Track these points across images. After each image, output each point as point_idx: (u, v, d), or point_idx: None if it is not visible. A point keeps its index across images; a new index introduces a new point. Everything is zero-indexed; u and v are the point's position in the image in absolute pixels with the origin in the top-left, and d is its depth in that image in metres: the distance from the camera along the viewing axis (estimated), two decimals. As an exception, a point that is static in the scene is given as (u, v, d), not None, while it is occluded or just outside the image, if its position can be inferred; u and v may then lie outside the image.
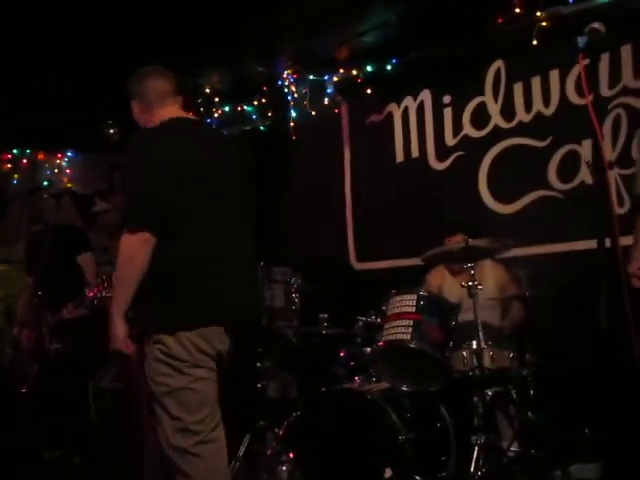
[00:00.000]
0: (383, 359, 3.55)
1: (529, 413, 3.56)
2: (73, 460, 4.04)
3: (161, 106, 2.74)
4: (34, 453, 2.93)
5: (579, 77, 4.23)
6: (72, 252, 4.60)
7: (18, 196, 6.09)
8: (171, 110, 2.74)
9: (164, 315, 2.53)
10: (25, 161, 6.57)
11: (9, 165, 6.55)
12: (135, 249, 2.45)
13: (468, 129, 4.88)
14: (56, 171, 6.55)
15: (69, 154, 6.62)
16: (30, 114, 5.26)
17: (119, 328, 2.48)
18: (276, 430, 4.02)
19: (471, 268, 3.46)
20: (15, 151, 6.50)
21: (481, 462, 3.22)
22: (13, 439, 4.34)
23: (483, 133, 4.80)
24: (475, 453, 3.24)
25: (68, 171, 6.48)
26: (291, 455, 3.67)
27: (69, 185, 6.42)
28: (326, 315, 4.09)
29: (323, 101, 5.49)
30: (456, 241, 4.20)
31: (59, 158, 6.63)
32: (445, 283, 4.30)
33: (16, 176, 6.55)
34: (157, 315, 2.53)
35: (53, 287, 4.14)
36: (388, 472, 3.23)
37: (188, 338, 2.52)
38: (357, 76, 5.29)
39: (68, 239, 4.58)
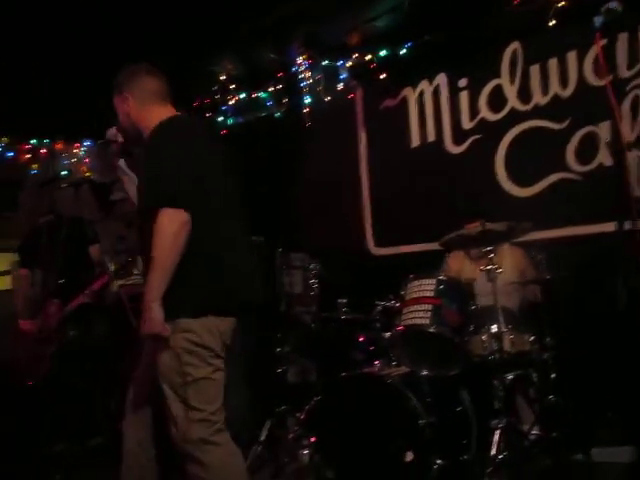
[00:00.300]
0: (402, 344, 3.57)
1: (550, 396, 3.57)
2: (90, 445, 4.09)
3: (162, 104, 2.81)
4: (45, 444, 2.97)
5: (597, 58, 4.19)
6: (85, 243, 4.65)
7: (30, 187, 6.14)
8: (170, 109, 2.82)
9: (195, 298, 2.55)
10: (44, 151, 6.61)
11: (28, 155, 6.60)
12: (177, 230, 2.47)
13: (485, 112, 4.85)
14: (74, 160, 6.59)
15: (87, 143, 6.66)
16: (48, 104, 5.29)
17: (158, 311, 2.46)
18: (297, 415, 4.07)
19: (490, 252, 3.46)
20: (34, 141, 6.55)
21: (502, 445, 3.23)
22: (23, 432, 4.42)
23: (500, 116, 4.76)
24: (496, 437, 3.26)
25: (86, 160, 6.51)
26: (312, 439, 3.70)
27: (87, 174, 6.46)
28: (345, 300, 4.11)
29: (337, 87, 5.46)
30: (456, 258, 4.22)
31: (77, 148, 6.67)
32: (464, 268, 4.30)
33: (35, 166, 6.59)
34: (188, 298, 2.54)
35: (68, 278, 4.18)
36: (409, 456, 3.25)
37: (216, 326, 2.58)
38: (371, 61, 5.26)
39: (81, 230, 4.62)
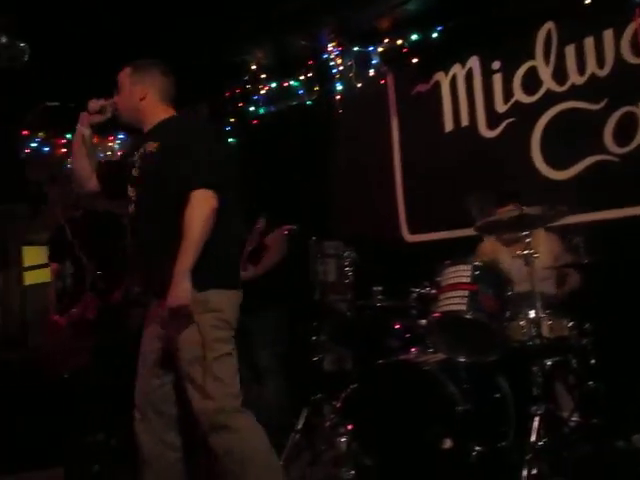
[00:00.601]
0: (439, 330, 3.54)
1: (589, 382, 3.51)
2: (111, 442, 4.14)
3: (170, 105, 2.99)
4: (80, 435, 3.02)
5: (635, 35, 4.09)
6: (118, 237, 4.66)
7: (62, 180, 6.21)
8: (173, 111, 2.99)
9: (221, 272, 2.75)
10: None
11: (63, 150, 6.69)
12: (210, 212, 2.65)
13: (519, 95, 4.77)
14: (109, 154, 6.66)
15: (120, 137, 6.73)
16: (82, 99, 5.34)
17: (188, 283, 2.57)
18: (333, 402, 4.07)
19: (526, 236, 3.40)
20: (68, 136, 6.62)
21: (541, 432, 3.19)
22: (62, 421, 4.50)
23: (535, 98, 4.68)
24: (535, 423, 3.21)
25: (119, 153, 6.57)
26: (349, 427, 3.70)
27: (111, 144, 6.54)
28: (380, 288, 4.08)
29: (369, 73, 5.42)
30: (488, 247, 4.16)
31: (111, 141, 6.74)
32: (498, 254, 4.24)
33: (70, 160, 6.68)
34: (215, 272, 2.72)
35: (103, 272, 4.21)
36: (447, 443, 3.23)
37: (237, 299, 2.81)
38: (402, 46, 5.21)
39: (114, 224, 4.63)
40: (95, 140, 3.14)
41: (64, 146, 6.66)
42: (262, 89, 6.02)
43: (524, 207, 3.42)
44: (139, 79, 2.95)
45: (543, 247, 3.95)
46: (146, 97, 2.94)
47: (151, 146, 2.84)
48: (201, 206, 2.64)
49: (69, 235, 3.00)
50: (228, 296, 2.78)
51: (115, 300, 4.32)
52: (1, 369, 4.20)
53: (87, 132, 2.98)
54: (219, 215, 2.69)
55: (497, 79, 4.90)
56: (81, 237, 2.92)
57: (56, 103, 3.06)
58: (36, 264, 7.88)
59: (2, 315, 4.32)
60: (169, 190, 2.72)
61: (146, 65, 3.00)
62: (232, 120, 6.30)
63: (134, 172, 2.89)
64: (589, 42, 4.39)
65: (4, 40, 3.80)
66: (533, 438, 3.17)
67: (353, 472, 3.68)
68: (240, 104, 6.20)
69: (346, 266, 4.27)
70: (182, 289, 2.57)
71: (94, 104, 2.97)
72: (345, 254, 4.27)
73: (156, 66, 3.01)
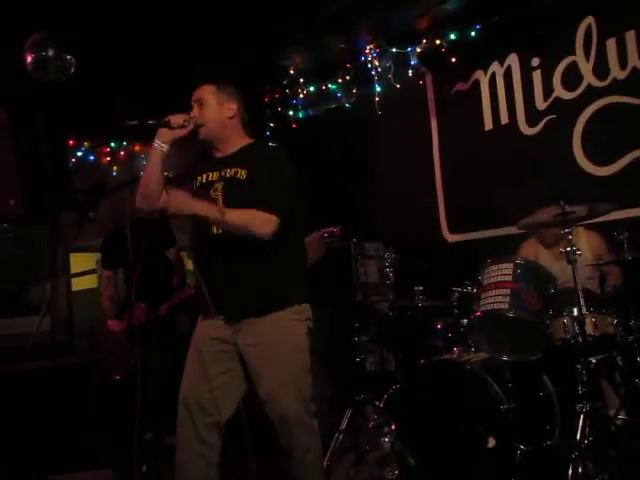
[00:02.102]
0: (481, 329, 3.52)
1: (636, 380, 3.46)
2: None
3: (245, 129, 3.07)
4: (129, 436, 3.08)
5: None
6: (163, 246, 4.72)
7: (112, 189, 6.33)
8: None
9: (306, 287, 2.99)
10: (122, 153, 6.83)
11: (108, 158, 6.83)
12: (264, 225, 2.77)
13: (559, 91, 4.72)
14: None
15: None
16: (126, 108, 5.46)
17: (193, 205, 2.74)
18: (376, 403, 4.08)
19: (568, 234, 3.37)
20: (113, 144, 6.78)
21: (587, 431, 3.15)
22: (109, 424, 4.59)
23: (575, 94, 4.63)
24: (581, 422, 3.17)
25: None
26: (393, 427, 3.71)
27: (164, 174, 6.62)
28: (421, 288, 4.08)
29: (407, 73, 5.43)
30: (530, 247, 4.15)
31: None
32: (539, 256, 4.21)
33: (115, 168, 6.83)
34: (304, 287, 2.97)
35: (152, 281, 4.24)
36: (491, 442, 3.22)
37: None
38: (440, 45, 5.20)
39: (162, 232, 4.69)
40: (138, 148, 3.16)
41: (109, 155, 6.82)
42: (301, 93, 6.07)
43: (567, 205, 3.39)
44: (227, 97, 2.98)
45: (584, 245, 3.92)
46: (234, 117, 2.99)
47: (237, 171, 2.91)
48: (263, 221, 2.77)
49: (127, 241, 3.05)
50: (310, 309, 2.99)
51: (163, 312, 4.38)
52: (51, 374, 4.31)
53: (166, 148, 2.86)
54: (298, 237, 3.03)
55: (537, 76, 4.85)
56: (134, 245, 2.95)
57: (135, 122, 2.97)
58: (82, 271, 8.08)
59: (51, 321, 4.42)
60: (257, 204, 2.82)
61: (229, 85, 3.03)
62: (272, 125, 6.37)
63: (213, 194, 2.93)
64: (630, 35, 4.32)
65: (51, 53, 3.93)
66: (578, 437, 3.14)
67: (397, 472, 3.69)
68: (279, 108, 6.26)
69: (387, 267, 4.28)
70: (186, 202, 2.77)
71: (177, 118, 2.85)
72: (386, 255, 4.28)
73: (235, 87, 3.05)
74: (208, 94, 2.98)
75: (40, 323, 3.74)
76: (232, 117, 2.98)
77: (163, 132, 2.85)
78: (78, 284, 7.61)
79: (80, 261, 7.86)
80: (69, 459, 4.03)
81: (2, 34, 4.34)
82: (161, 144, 2.85)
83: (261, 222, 2.77)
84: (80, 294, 7.51)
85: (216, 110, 2.96)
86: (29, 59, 4.13)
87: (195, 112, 2.96)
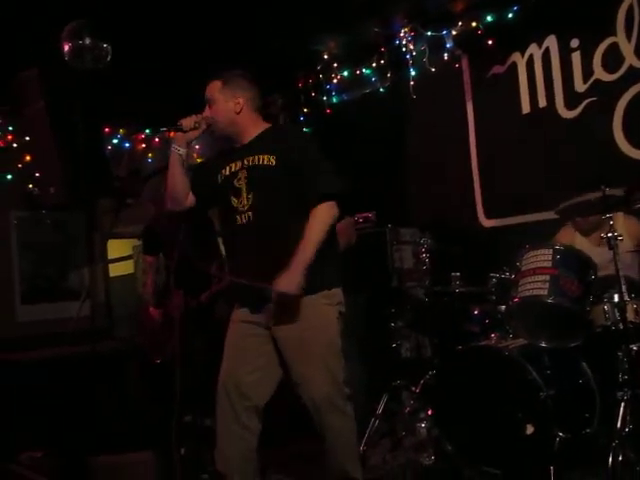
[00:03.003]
0: (519, 315, 3.49)
1: (680, 367, 3.40)
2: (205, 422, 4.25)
3: (259, 114, 3.09)
4: (169, 418, 3.14)
5: None
6: (205, 232, 4.72)
7: (150, 175, 6.38)
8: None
9: (339, 271, 3.00)
10: (157, 140, 6.88)
11: (143, 145, 6.89)
12: (332, 219, 2.89)
13: (599, 73, 4.62)
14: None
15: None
16: (160, 94, 5.50)
17: (301, 277, 2.76)
18: (412, 388, 4.08)
19: (608, 219, 3.31)
20: (147, 131, 6.83)
21: (628, 418, 3.11)
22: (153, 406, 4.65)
23: (616, 76, 4.52)
24: (621, 410, 3.13)
25: (197, 147, 6.73)
26: (429, 412, 3.71)
27: (198, 160, 6.67)
28: (458, 274, 4.05)
29: (443, 57, 5.34)
30: (567, 236, 4.07)
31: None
32: (575, 243, 4.14)
33: (150, 155, 6.88)
34: (336, 271, 2.99)
35: (191, 268, 4.26)
36: (529, 429, 3.20)
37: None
38: (477, 28, 5.10)
39: (200, 219, 4.68)
40: (172, 134, 3.18)
41: (143, 141, 6.87)
42: (335, 78, 6.04)
43: (607, 189, 3.33)
44: (232, 92, 3.01)
45: (623, 231, 3.83)
46: (242, 111, 3.01)
47: (262, 158, 2.94)
48: (326, 214, 2.86)
49: (167, 228, 3.07)
50: (342, 293, 3.01)
51: (202, 302, 4.41)
52: (91, 359, 4.39)
53: (183, 151, 2.99)
54: None
55: (576, 57, 4.75)
56: (171, 231, 3.00)
57: (165, 128, 3.10)
58: (119, 257, 8.19)
59: (91, 307, 4.50)
60: (291, 202, 2.90)
61: (236, 77, 3.05)
62: (305, 110, 6.36)
63: (237, 184, 2.97)
64: (673, 15, 4.22)
65: (88, 42, 3.97)
66: (619, 424, 3.10)
67: (433, 458, 3.69)
68: (313, 94, 6.24)
69: (422, 252, 4.26)
70: (295, 280, 2.75)
71: (187, 121, 2.96)
72: (421, 240, 4.26)
73: (244, 77, 3.07)
74: (215, 92, 3.03)
75: (80, 308, 3.80)
76: (239, 111, 3.00)
77: (178, 136, 3.00)
78: (115, 270, 7.73)
79: (116, 247, 7.98)
80: (110, 442, 4.11)
81: (39, 24, 4.40)
82: (177, 148, 3.00)
83: (328, 216, 2.87)
84: (117, 280, 7.63)
85: (224, 107, 3.01)
86: (66, 48, 4.17)
87: (207, 111, 3.04)
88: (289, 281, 2.74)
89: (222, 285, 4.41)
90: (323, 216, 2.85)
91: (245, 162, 2.98)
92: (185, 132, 2.97)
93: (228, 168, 3.03)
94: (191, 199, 3.12)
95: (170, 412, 3.17)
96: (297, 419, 3.13)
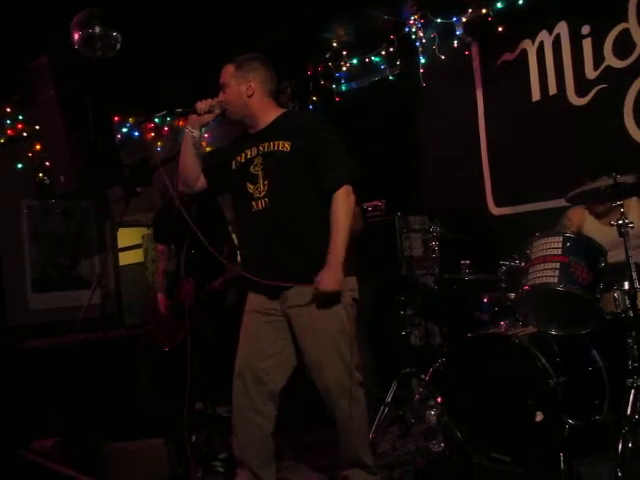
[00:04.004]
0: (529, 303, 3.49)
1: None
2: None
3: (273, 98, 3.09)
4: (180, 406, 3.17)
5: None
6: (215, 221, 4.71)
7: (159, 164, 6.37)
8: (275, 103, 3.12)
9: (352, 260, 2.96)
10: (166, 129, 6.88)
11: (152, 134, 6.88)
12: (353, 205, 2.93)
13: (610, 59, 4.59)
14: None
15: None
16: (170, 83, 5.50)
17: (341, 273, 2.82)
18: (422, 376, 4.09)
19: (620, 206, 3.29)
20: (156, 120, 6.81)
21: (638, 405, 3.12)
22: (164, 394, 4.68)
23: (628, 62, 4.50)
24: (631, 396, 3.14)
25: (206, 135, 6.72)
26: (439, 400, 3.72)
27: (208, 149, 6.67)
28: (468, 262, 4.05)
29: (453, 44, 5.32)
30: (577, 213, 4.05)
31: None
32: (585, 224, 4.12)
33: (159, 144, 6.88)
34: (350, 259, 2.93)
35: (201, 256, 4.24)
36: (539, 416, 3.20)
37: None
38: (487, 15, 5.07)
39: (211, 207, 4.67)
40: (181, 123, 3.20)
41: (153, 130, 6.87)
42: (344, 66, 6.02)
43: (618, 176, 3.31)
44: (244, 76, 3.01)
45: (635, 216, 3.82)
46: (254, 94, 3.01)
47: (277, 144, 2.95)
48: (346, 201, 2.88)
49: (178, 216, 3.06)
50: (355, 280, 3.05)
51: (213, 289, 4.40)
52: (101, 346, 4.41)
53: (197, 134, 3.02)
54: None
55: (587, 44, 4.72)
56: (182, 219, 3.00)
57: (163, 112, 3.11)
58: (129, 245, 8.22)
59: (101, 295, 4.52)
60: (307, 187, 2.92)
61: (249, 61, 3.05)
62: (315, 99, 6.35)
63: (253, 170, 2.98)
64: (686, 0, 4.18)
65: (98, 30, 3.97)
66: (629, 411, 3.11)
67: (443, 445, 3.70)
68: (322, 82, 6.22)
69: (432, 240, 4.26)
70: (336, 277, 2.81)
71: (203, 105, 2.98)
72: (431, 228, 4.26)
73: (258, 60, 3.06)
74: (228, 76, 3.04)
75: (92, 296, 3.82)
76: (252, 95, 3.01)
77: (192, 118, 3.03)
78: (124, 259, 7.76)
79: (125, 236, 8.01)
80: (121, 429, 4.14)
81: (49, 13, 4.40)
82: (191, 130, 3.03)
83: (349, 204, 2.89)
84: (126, 268, 7.67)
85: (236, 91, 3.01)
86: (76, 36, 4.17)
87: (221, 95, 3.05)
88: (331, 279, 2.80)
89: (234, 273, 4.40)
90: (345, 205, 2.88)
91: (260, 148, 2.99)
92: (200, 115, 2.99)
93: (243, 155, 3.04)
94: (202, 183, 3.14)
95: (181, 400, 3.19)
96: (312, 408, 3.14)
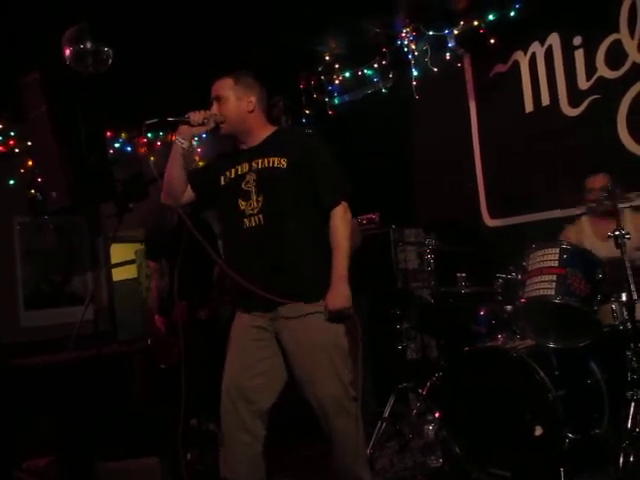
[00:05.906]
0: (527, 316, 3.46)
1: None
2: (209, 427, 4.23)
3: (266, 114, 3.07)
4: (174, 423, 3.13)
5: None
6: (208, 237, 4.63)
7: (152, 180, 6.34)
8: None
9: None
10: (159, 143, 6.86)
11: (144, 149, 6.86)
12: (350, 222, 2.93)
13: (603, 70, 4.60)
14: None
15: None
16: (161, 99, 5.47)
17: (348, 288, 2.85)
18: (419, 390, 4.05)
19: (617, 218, 3.28)
20: (149, 135, 6.80)
21: (638, 418, 3.09)
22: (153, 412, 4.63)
23: (620, 73, 4.51)
24: (631, 409, 3.11)
25: (199, 150, 6.71)
26: (437, 415, 3.68)
27: (201, 163, 6.65)
28: (464, 274, 4.03)
29: (445, 56, 5.33)
30: (599, 180, 3.99)
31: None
32: (583, 239, 4.10)
33: (152, 158, 6.85)
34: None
35: (193, 274, 4.14)
36: (538, 430, 3.17)
37: None
38: (479, 26, 5.09)
39: (204, 224, 4.63)
40: (173, 138, 3.12)
41: (145, 145, 6.85)
42: (337, 79, 6.02)
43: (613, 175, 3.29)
44: (245, 91, 2.97)
45: (630, 227, 3.80)
46: (254, 110, 2.98)
47: (273, 161, 2.91)
48: (345, 217, 2.90)
49: (171, 233, 3.02)
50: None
51: (203, 316, 4.38)
52: (95, 363, 4.37)
53: (187, 145, 2.92)
54: None
55: (579, 55, 4.74)
56: (176, 237, 2.96)
57: (155, 120, 2.99)
58: (122, 261, 8.17)
59: (94, 311, 4.48)
60: (302, 203, 2.91)
61: (246, 76, 3.01)
62: (308, 112, 6.34)
63: (245, 187, 2.92)
64: (678, 11, 4.20)
65: (89, 46, 3.95)
66: (629, 424, 3.08)
67: (441, 460, 3.66)
68: (315, 95, 6.22)
69: (427, 253, 4.23)
70: (344, 293, 2.83)
71: (197, 116, 2.89)
72: (426, 241, 4.23)
73: (252, 76, 3.04)
74: (226, 89, 2.97)
75: (85, 312, 3.78)
76: (252, 110, 2.97)
77: (183, 129, 2.92)
78: (118, 274, 7.72)
79: (118, 251, 7.97)
80: (115, 447, 4.09)
81: (40, 28, 4.38)
82: (181, 141, 2.93)
83: (347, 222, 2.91)
84: (120, 284, 7.62)
85: (235, 105, 2.96)
86: (67, 52, 4.15)
87: (215, 108, 2.96)
88: (339, 297, 2.82)
89: (219, 304, 4.39)
90: (343, 224, 2.89)
91: (254, 164, 2.93)
92: (192, 126, 2.90)
93: (234, 170, 2.98)
94: (188, 196, 3.04)
95: (175, 416, 3.15)
96: (305, 423, 3.10)
